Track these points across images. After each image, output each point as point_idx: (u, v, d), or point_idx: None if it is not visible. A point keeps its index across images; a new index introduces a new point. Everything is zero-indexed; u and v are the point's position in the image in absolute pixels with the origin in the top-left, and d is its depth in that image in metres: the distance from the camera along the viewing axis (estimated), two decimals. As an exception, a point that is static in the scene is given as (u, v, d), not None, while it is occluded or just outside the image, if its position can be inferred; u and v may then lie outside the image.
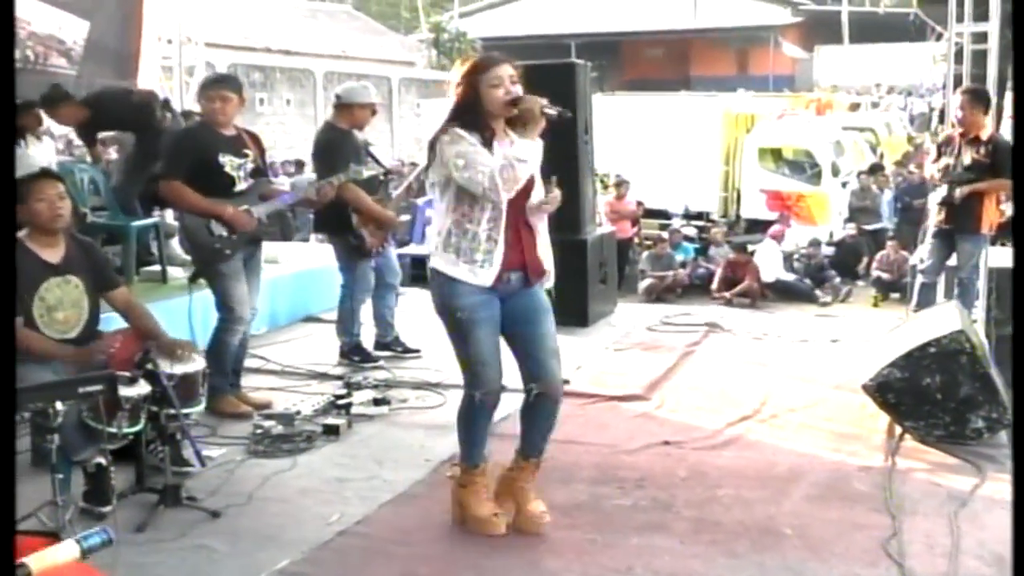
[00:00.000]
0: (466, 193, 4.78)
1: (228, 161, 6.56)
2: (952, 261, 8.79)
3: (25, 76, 10.64)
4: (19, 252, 5.39)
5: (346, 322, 8.06)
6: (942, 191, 8.69)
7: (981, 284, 9.13)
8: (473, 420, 5.18)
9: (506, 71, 4.89)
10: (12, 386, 3.78)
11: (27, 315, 5.40)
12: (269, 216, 6.85)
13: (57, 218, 5.49)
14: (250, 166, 6.68)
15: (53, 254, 5.54)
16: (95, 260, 5.80)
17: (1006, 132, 9.67)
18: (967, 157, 8.49)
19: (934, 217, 8.89)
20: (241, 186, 6.62)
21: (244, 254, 6.73)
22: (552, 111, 4.89)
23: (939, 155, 8.84)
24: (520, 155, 4.77)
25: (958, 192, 8.47)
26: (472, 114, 4.89)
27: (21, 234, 5.51)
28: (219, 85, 6.76)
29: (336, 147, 7.75)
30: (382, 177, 7.92)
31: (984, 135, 8.56)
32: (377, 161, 8.04)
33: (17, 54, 10.55)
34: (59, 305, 5.52)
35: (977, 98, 8.62)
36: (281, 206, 7.14)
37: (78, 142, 11.63)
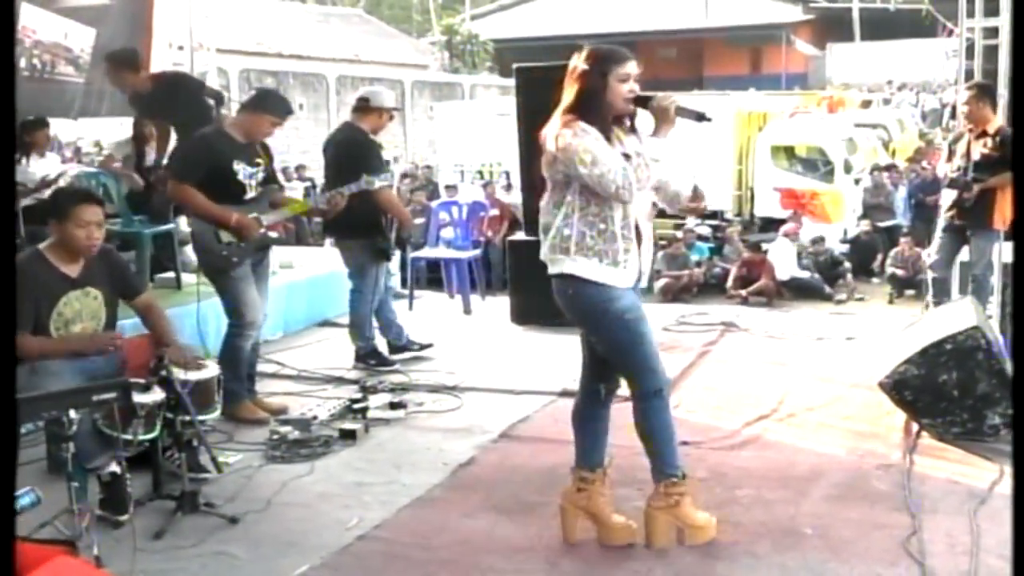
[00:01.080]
0: (591, 191, 4.54)
1: (241, 169, 6.57)
2: (964, 256, 8.76)
3: (32, 84, 10.68)
4: (40, 264, 5.43)
5: (361, 326, 8.05)
6: (952, 191, 8.68)
7: (995, 279, 9.09)
8: (659, 416, 4.92)
9: (634, 68, 4.71)
10: (12, 389, 3.80)
11: (43, 329, 5.41)
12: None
13: (91, 247, 5.50)
14: (261, 175, 6.71)
15: (73, 268, 5.55)
16: (115, 268, 5.79)
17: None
18: (976, 152, 8.46)
19: (944, 213, 8.87)
20: (251, 194, 6.64)
21: (252, 260, 6.74)
22: (690, 112, 4.78)
23: (951, 154, 8.81)
24: (654, 154, 4.65)
25: (966, 195, 8.45)
26: (595, 107, 4.67)
27: (43, 246, 5.52)
28: (284, 113, 6.85)
29: (367, 152, 7.82)
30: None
31: (991, 128, 8.49)
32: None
33: (23, 63, 10.56)
34: (76, 318, 5.53)
35: (983, 92, 8.59)
36: (289, 215, 7.15)
37: (87, 150, 11.64)
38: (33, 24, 10.60)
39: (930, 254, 9.30)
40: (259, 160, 6.72)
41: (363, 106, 8.00)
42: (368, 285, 8.01)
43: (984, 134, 8.47)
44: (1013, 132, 8.11)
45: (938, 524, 4.94)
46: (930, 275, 9.07)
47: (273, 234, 6.97)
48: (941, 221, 8.92)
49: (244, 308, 6.72)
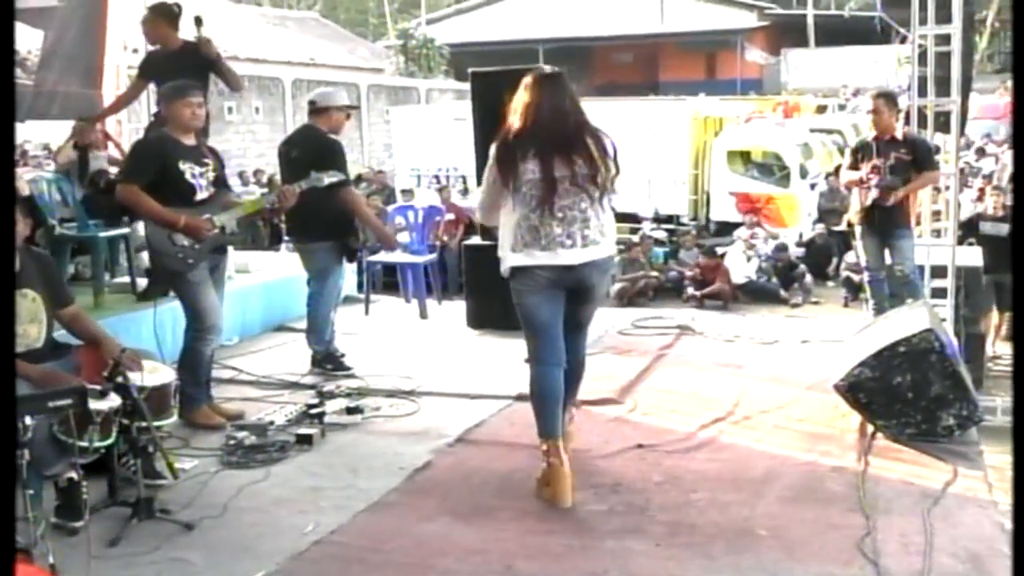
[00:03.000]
0: None
1: (188, 168, 6.51)
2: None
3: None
4: None
5: (319, 330, 8.02)
6: (860, 196, 9.07)
7: (949, 283, 9.25)
8: None
9: None
10: (12, 393, 3.78)
11: None
12: (238, 224, 6.82)
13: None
14: (211, 175, 6.65)
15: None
16: (51, 275, 5.77)
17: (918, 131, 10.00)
18: (890, 158, 8.86)
19: (855, 217, 9.16)
20: (202, 195, 6.57)
21: (209, 262, 6.70)
22: None
23: (855, 161, 9.12)
24: None
25: (893, 198, 8.82)
26: None
27: None
28: (194, 91, 6.73)
29: (320, 150, 7.78)
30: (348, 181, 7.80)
31: (899, 135, 9.04)
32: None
33: (-33, 65, 10.46)
34: (17, 320, 5.47)
35: (893, 101, 9.26)
36: (241, 214, 7.10)
37: (34, 153, 11.51)
38: (-25, 26, 10.50)
39: (859, 260, 9.58)
40: (207, 161, 6.67)
41: (313, 108, 8.01)
42: (329, 288, 7.99)
43: (894, 140, 8.94)
44: (1014, 134, 8.35)
45: (892, 524, 4.99)
46: (867, 277, 9.30)
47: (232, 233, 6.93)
48: (857, 227, 9.18)
49: (204, 312, 6.67)
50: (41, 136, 11.39)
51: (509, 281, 5.60)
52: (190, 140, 6.65)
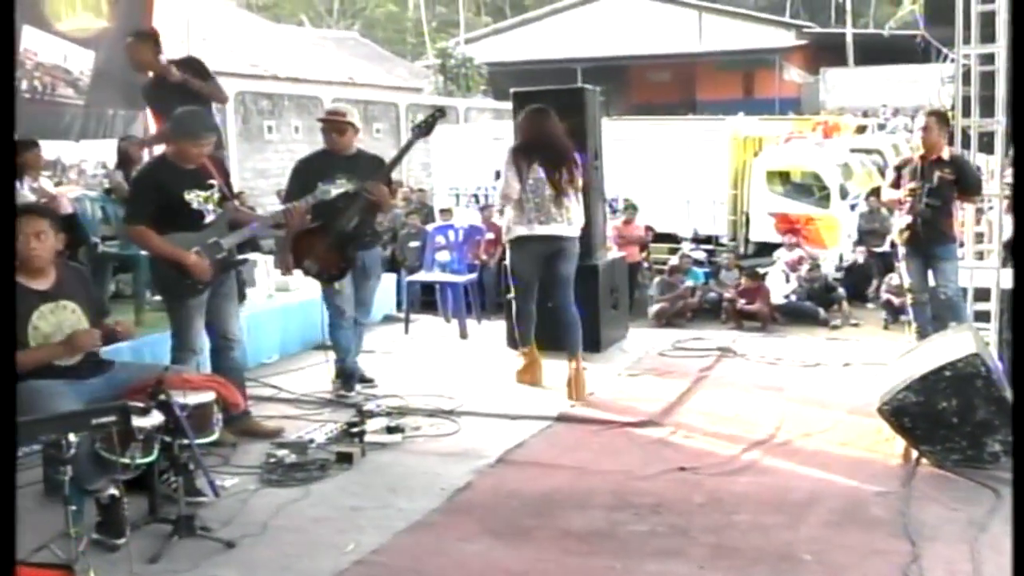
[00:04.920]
0: None
1: (195, 197, 6.55)
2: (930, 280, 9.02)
3: (33, 107, 10.70)
4: None
5: (336, 348, 8.04)
6: (906, 217, 8.91)
7: (992, 306, 9.15)
8: None
9: None
10: (12, 394, 3.81)
11: (24, 346, 5.40)
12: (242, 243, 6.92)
13: (32, 256, 5.52)
14: (217, 195, 6.68)
15: (42, 283, 5.57)
16: (88, 289, 5.89)
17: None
18: (934, 178, 8.72)
19: (899, 238, 9.09)
20: (210, 218, 6.63)
21: (215, 282, 6.75)
22: None
23: (898, 177, 9.04)
24: None
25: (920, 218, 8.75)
26: None
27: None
28: (209, 134, 6.73)
29: (316, 166, 7.75)
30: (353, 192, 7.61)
31: (945, 155, 8.88)
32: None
33: (24, 84, 10.60)
34: (57, 332, 5.51)
35: (945, 121, 9.11)
36: (250, 234, 7.12)
37: (92, 172, 11.65)
38: (34, 47, 10.63)
39: (902, 281, 9.50)
40: (211, 181, 6.67)
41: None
42: (334, 308, 7.93)
43: (940, 160, 8.80)
44: (1014, 140, 8.28)
45: (938, 551, 4.93)
46: (909, 300, 9.20)
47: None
48: (900, 248, 9.10)
49: (189, 334, 6.75)
50: (98, 155, 11.48)
51: (509, 245, 8.13)
52: (191, 164, 6.64)
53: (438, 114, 7.95)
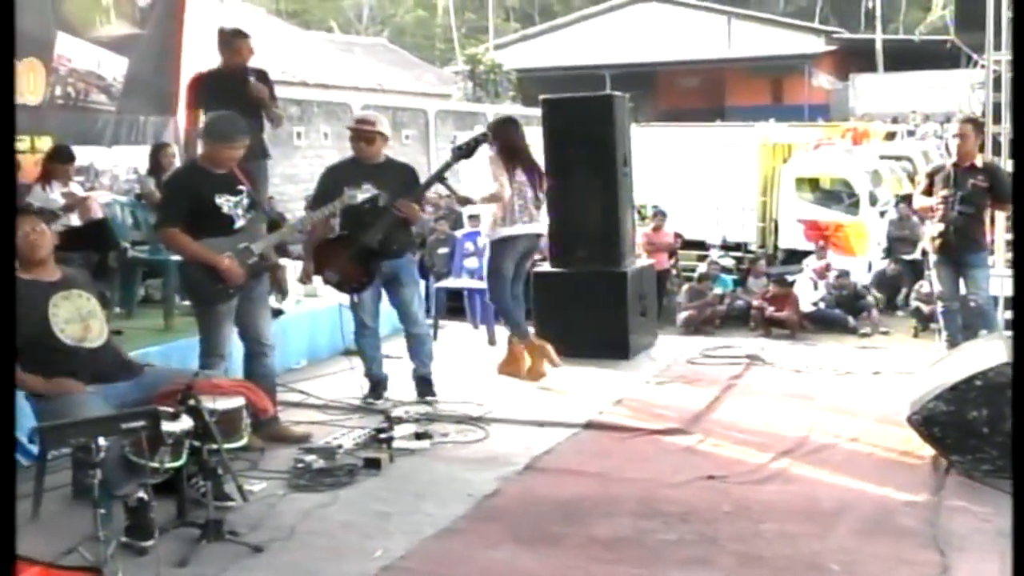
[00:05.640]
0: None
1: (225, 201, 6.57)
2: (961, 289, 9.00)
3: (66, 113, 10.79)
4: (17, 288, 5.54)
5: (362, 358, 8.08)
6: (938, 224, 8.85)
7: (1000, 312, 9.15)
8: None
9: None
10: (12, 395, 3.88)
11: (46, 332, 5.49)
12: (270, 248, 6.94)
13: (34, 247, 5.73)
14: (246, 201, 6.70)
15: (49, 276, 5.80)
16: (92, 285, 6.03)
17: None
18: (967, 185, 8.68)
19: (930, 246, 9.04)
20: (240, 223, 6.64)
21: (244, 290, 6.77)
22: None
23: (930, 184, 8.98)
24: None
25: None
26: None
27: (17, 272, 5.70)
28: (243, 137, 6.73)
29: (340, 173, 7.80)
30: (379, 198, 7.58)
31: (978, 162, 8.90)
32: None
33: (58, 91, 10.68)
34: (75, 318, 5.65)
35: (980, 128, 9.09)
36: (278, 239, 7.15)
37: (124, 177, 11.72)
38: (68, 53, 10.71)
39: (933, 289, 9.45)
40: (240, 187, 6.70)
41: None
42: (358, 318, 7.98)
43: (973, 167, 8.77)
44: (1013, 138, 8.25)
45: (967, 562, 4.90)
46: (940, 308, 9.16)
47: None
48: (932, 256, 9.05)
49: (218, 339, 6.77)
50: (130, 161, 11.57)
51: (492, 244, 8.63)
52: (222, 169, 6.68)
53: (481, 137, 7.98)
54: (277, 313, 8.24)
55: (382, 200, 7.46)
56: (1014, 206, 8.12)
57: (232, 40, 8.45)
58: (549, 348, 8.56)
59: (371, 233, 7.51)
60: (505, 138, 8.50)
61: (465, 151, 7.91)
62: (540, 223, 8.84)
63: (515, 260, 8.63)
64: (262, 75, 8.62)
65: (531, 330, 8.81)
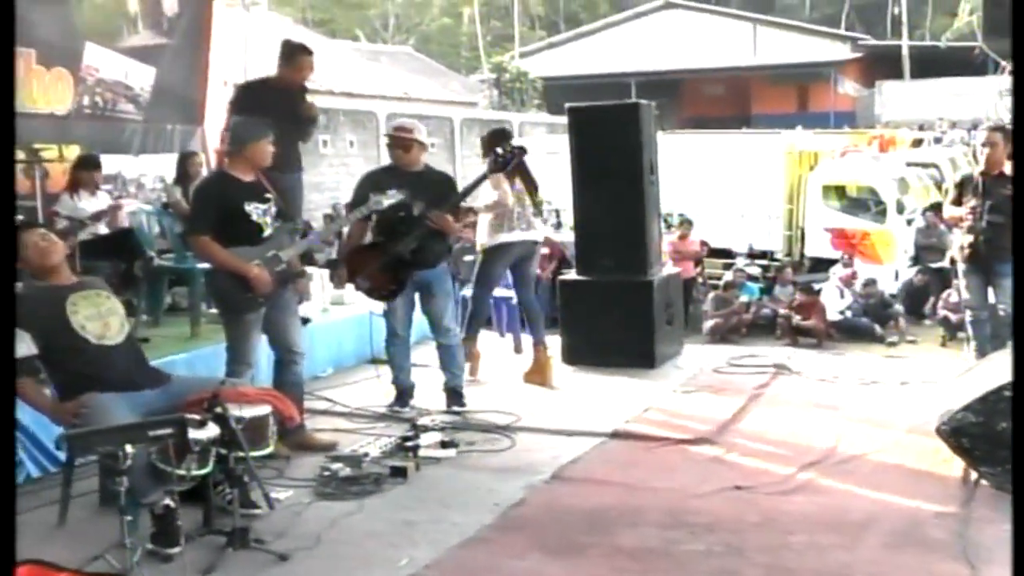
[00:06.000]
0: None
1: (254, 209, 6.59)
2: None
3: (94, 122, 10.87)
4: (33, 294, 5.75)
5: (390, 366, 8.09)
6: (967, 234, 8.82)
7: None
8: None
9: None
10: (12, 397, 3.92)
11: (67, 330, 5.60)
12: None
13: (44, 253, 5.83)
14: (274, 209, 6.72)
15: (64, 280, 5.89)
16: (119, 292, 6.10)
17: None
18: (996, 194, 8.62)
19: (959, 255, 8.97)
20: (268, 231, 6.66)
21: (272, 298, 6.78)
22: None
23: (959, 194, 8.92)
24: None
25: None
26: None
27: (29, 282, 5.88)
28: (269, 129, 6.76)
29: (369, 179, 7.87)
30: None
31: (1007, 170, 8.74)
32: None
33: (86, 100, 10.76)
34: (94, 315, 5.74)
35: (1008, 136, 8.87)
36: (307, 247, 7.16)
37: (151, 186, 11.79)
38: (96, 63, 10.79)
39: (961, 298, 9.39)
40: (268, 195, 6.72)
41: None
42: (390, 324, 7.99)
43: (1002, 176, 8.70)
44: (1013, 137, 8.19)
45: (996, 575, 4.86)
46: (968, 317, 9.10)
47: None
48: (960, 265, 8.99)
49: (245, 347, 6.78)
50: (157, 169, 11.65)
51: (487, 250, 8.75)
52: (250, 176, 6.71)
53: (518, 150, 7.95)
54: (304, 321, 8.23)
55: (417, 209, 7.48)
56: (1014, 207, 8.05)
57: (296, 55, 8.41)
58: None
59: (404, 242, 7.53)
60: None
61: (502, 163, 7.90)
62: (537, 230, 8.98)
63: (507, 266, 8.87)
64: (304, 91, 8.61)
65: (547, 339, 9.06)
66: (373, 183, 7.69)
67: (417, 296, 7.94)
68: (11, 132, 4.15)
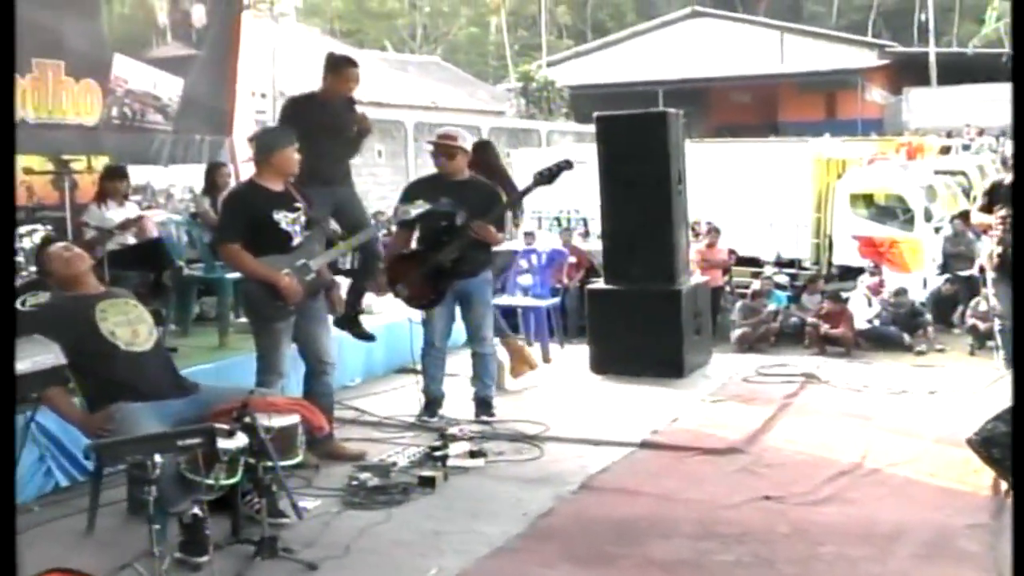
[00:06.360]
0: None
1: (283, 217, 6.59)
2: None
3: (123, 133, 10.93)
4: (61, 304, 5.85)
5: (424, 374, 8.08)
6: (996, 243, 8.73)
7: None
8: None
9: None
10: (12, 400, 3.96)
11: (97, 337, 5.61)
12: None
13: (70, 263, 5.89)
14: (303, 218, 6.72)
15: (92, 289, 5.92)
16: (148, 301, 6.16)
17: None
18: None
19: (988, 263, 8.90)
20: (298, 239, 6.66)
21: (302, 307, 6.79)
22: None
23: (989, 202, 8.85)
24: None
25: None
26: None
27: (58, 293, 5.95)
28: (294, 137, 6.77)
29: (406, 192, 7.91)
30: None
31: None
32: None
33: (115, 111, 10.82)
34: (123, 322, 5.77)
35: None
36: (337, 256, 7.18)
37: (180, 197, 11.85)
38: (125, 74, 10.85)
39: (992, 307, 9.32)
40: (298, 204, 6.72)
41: None
42: (428, 334, 7.99)
43: None
44: (1013, 136, 8.14)
45: (1029, 586, 4.82)
46: (998, 326, 9.04)
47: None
48: (990, 273, 8.92)
49: (275, 357, 6.77)
50: (186, 180, 11.71)
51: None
52: (279, 186, 6.70)
53: (564, 164, 7.94)
54: (370, 338, 8.48)
55: (459, 219, 7.50)
56: (1014, 207, 7.99)
57: (341, 67, 8.39)
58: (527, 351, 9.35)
59: (446, 252, 7.56)
60: (482, 160, 8.43)
61: (547, 177, 7.87)
62: (515, 240, 9.07)
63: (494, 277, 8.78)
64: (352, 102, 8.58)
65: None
66: (418, 192, 7.69)
67: (457, 305, 7.94)
68: (11, 133, 4.16)
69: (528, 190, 8.08)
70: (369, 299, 9.88)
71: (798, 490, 6.22)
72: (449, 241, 7.56)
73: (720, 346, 12.64)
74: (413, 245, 7.90)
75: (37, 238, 7.89)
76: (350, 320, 8.24)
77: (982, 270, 9.71)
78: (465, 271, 7.70)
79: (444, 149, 7.79)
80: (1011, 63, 8.66)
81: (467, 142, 7.85)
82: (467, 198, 7.61)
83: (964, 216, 19.68)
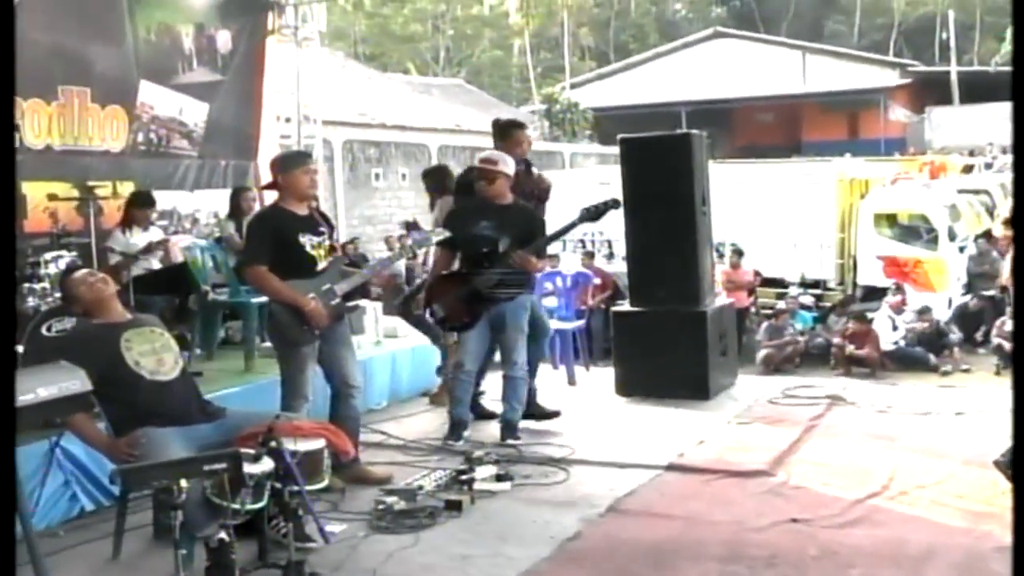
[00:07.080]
0: None
1: (308, 241, 6.63)
2: None
3: (149, 159, 11.00)
4: (86, 330, 5.88)
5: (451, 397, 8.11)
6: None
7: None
8: None
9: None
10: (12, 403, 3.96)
11: (122, 366, 5.65)
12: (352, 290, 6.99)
13: (94, 289, 5.94)
14: (327, 243, 6.77)
15: (118, 318, 5.95)
16: (173, 326, 6.18)
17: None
18: None
19: (1011, 282, 8.84)
20: (323, 264, 6.70)
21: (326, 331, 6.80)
22: None
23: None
24: None
25: None
26: None
27: (83, 320, 5.98)
28: (308, 158, 6.82)
29: (449, 215, 8.00)
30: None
31: None
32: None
33: (141, 137, 10.89)
34: (148, 351, 5.80)
35: None
36: (361, 280, 7.19)
37: (205, 221, 11.91)
38: (151, 100, 10.92)
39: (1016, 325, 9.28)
40: (322, 229, 6.77)
41: None
42: (462, 358, 8.00)
43: None
44: (1013, 136, 8.10)
45: (1061, 609, 4.77)
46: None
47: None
48: (1011, 288, 8.86)
49: (300, 380, 6.77)
50: (211, 205, 11.77)
51: None
52: (303, 210, 6.75)
53: (612, 203, 7.95)
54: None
55: (502, 246, 7.51)
56: (1014, 208, 7.96)
57: (511, 131, 8.41)
58: None
59: (485, 278, 7.58)
60: (459, 183, 8.52)
61: (593, 214, 7.88)
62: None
63: None
64: (528, 165, 8.57)
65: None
66: (461, 217, 7.77)
67: (491, 328, 7.93)
68: (11, 137, 4.19)
69: (573, 225, 8.01)
70: (394, 322, 9.92)
71: (826, 512, 6.18)
72: (490, 267, 7.59)
73: (745, 367, 12.60)
74: (455, 266, 7.92)
75: (62, 264, 7.94)
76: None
77: (1004, 289, 9.64)
78: (501, 297, 7.71)
79: (484, 174, 7.79)
80: (1012, 66, 8.66)
81: (508, 166, 7.82)
82: (509, 223, 7.63)
83: (988, 235, 19.62)
